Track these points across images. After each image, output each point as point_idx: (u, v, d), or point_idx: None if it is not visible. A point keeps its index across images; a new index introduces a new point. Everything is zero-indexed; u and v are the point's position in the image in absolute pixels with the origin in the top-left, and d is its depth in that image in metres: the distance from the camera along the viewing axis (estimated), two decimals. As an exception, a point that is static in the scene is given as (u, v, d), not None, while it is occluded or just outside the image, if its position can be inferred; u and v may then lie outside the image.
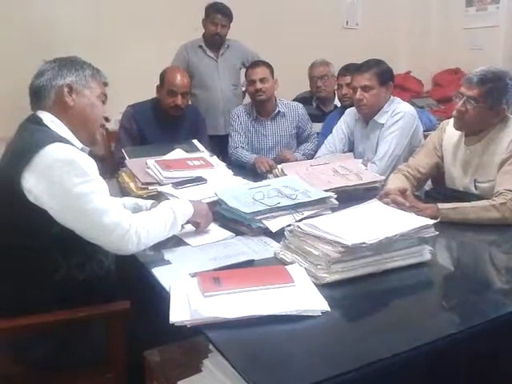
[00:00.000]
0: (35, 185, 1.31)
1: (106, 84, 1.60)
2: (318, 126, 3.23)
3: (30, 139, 1.38)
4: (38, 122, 1.45)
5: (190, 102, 3.50)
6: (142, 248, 1.42)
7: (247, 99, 3.44)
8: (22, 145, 1.39)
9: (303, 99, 3.46)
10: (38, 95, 1.49)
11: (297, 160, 2.80)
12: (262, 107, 3.02)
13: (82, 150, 1.49)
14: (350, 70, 2.95)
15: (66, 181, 1.31)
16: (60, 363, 1.40)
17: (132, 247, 1.39)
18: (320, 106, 3.50)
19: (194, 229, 1.68)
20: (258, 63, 3.04)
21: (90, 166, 1.38)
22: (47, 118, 1.46)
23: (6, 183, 1.34)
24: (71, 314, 1.37)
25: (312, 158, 2.81)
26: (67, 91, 1.48)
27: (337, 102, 3.44)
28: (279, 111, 3.03)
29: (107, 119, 1.64)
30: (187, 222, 1.63)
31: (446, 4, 4.97)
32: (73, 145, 1.43)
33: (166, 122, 2.83)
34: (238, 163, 2.89)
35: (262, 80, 2.93)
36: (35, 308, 1.33)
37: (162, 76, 2.83)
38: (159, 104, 2.83)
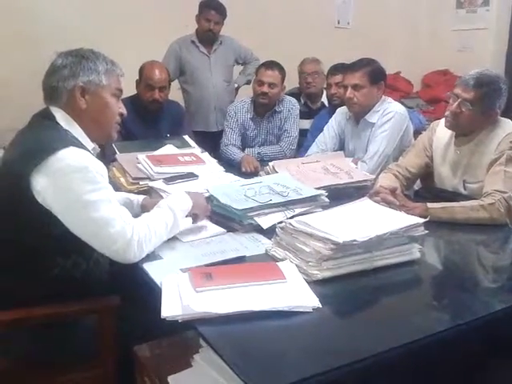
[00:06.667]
0: (45, 187, 1.29)
1: (121, 75, 1.54)
2: (305, 123, 3.25)
3: (44, 139, 1.35)
4: (51, 119, 1.42)
5: (182, 98, 3.50)
6: (143, 256, 1.39)
7: (241, 96, 3.44)
8: (35, 143, 1.35)
9: (291, 95, 3.48)
10: (50, 94, 1.44)
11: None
12: (261, 107, 3.02)
13: (93, 149, 1.47)
14: (340, 69, 2.98)
15: (77, 187, 1.29)
16: (50, 358, 1.39)
17: (134, 257, 1.36)
18: (308, 102, 3.52)
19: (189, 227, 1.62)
20: (272, 66, 2.97)
21: (101, 173, 1.35)
22: (60, 115, 1.43)
23: (14, 180, 1.31)
24: (61, 309, 1.36)
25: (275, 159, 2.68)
26: (80, 93, 1.43)
27: (324, 100, 3.46)
28: (275, 110, 3.03)
29: (122, 115, 1.58)
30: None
31: (436, 5, 4.99)
32: (85, 147, 1.41)
33: (146, 117, 2.83)
34: (227, 160, 2.88)
35: (270, 85, 2.91)
36: (27, 303, 1.32)
37: (141, 70, 2.82)
38: (138, 99, 2.82)
